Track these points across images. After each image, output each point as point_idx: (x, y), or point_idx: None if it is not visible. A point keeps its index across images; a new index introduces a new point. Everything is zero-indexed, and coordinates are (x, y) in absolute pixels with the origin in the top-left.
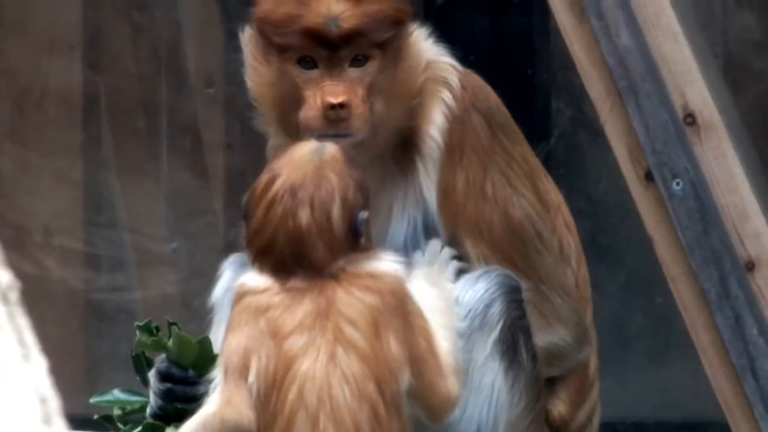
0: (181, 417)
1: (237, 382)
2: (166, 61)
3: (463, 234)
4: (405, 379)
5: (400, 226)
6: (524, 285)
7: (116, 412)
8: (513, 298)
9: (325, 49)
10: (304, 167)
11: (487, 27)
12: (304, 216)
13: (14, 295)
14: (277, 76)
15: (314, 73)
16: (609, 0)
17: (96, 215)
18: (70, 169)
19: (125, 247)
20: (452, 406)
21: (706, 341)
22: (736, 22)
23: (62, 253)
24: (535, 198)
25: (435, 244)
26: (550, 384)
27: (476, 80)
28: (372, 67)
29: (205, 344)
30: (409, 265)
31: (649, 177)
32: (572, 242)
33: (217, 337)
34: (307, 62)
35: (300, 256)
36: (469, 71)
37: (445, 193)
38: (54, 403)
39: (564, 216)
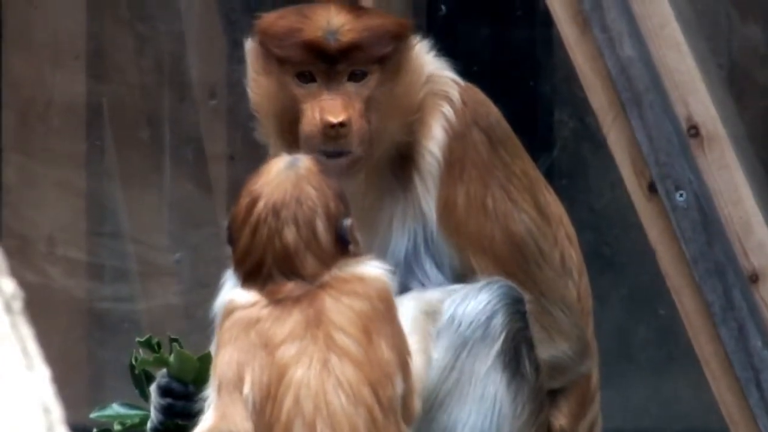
0: None
1: (231, 396)
2: (169, 73)
3: (465, 249)
4: (399, 382)
5: (401, 241)
6: (526, 298)
7: (116, 427)
8: (516, 309)
9: (323, 62)
10: (282, 185)
11: (489, 38)
12: (290, 235)
13: (18, 305)
14: (276, 88)
15: (312, 86)
16: (612, 11)
17: (99, 225)
18: (74, 180)
19: (128, 257)
20: (411, 425)
21: (710, 353)
22: (741, 33)
23: (66, 263)
24: (536, 212)
25: (428, 294)
26: (552, 396)
27: (477, 95)
28: (371, 81)
29: (206, 361)
30: (398, 277)
31: (652, 189)
32: (574, 254)
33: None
34: (305, 75)
35: (290, 271)
36: (470, 85)
37: (446, 208)
38: (57, 412)
39: (565, 228)
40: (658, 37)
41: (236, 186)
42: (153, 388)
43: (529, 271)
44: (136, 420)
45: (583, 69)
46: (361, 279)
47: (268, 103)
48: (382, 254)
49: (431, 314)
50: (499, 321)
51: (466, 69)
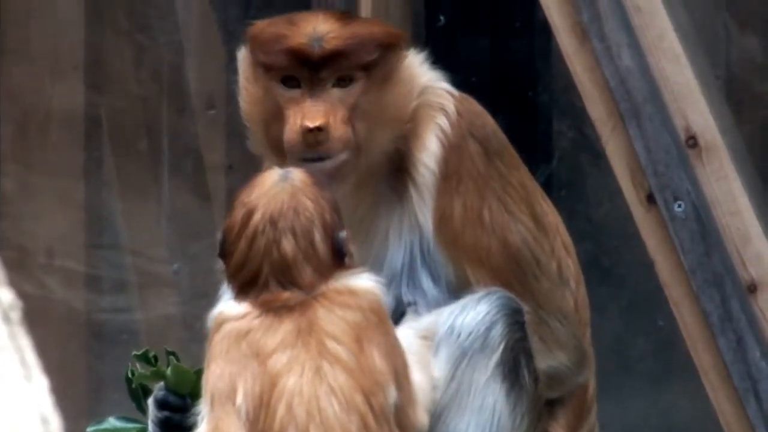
0: None
1: (224, 408)
2: (168, 83)
3: (461, 260)
4: (392, 392)
5: (397, 253)
6: (523, 309)
7: None
8: (515, 320)
9: (306, 68)
10: (278, 197)
11: (488, 49)
12: (288, 245)
13: (16, 315)
14: (262, 94)
15: (296, 92)
16: (611, 22)
17: (98, 236)
18: (73, 191)
19: (127, 268)
20: None
21: (708, 364)
22: (739, 44)
23: (64, 274)
24: (533, 223)
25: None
26: (549, 406)
27: (473, 106)
28: (355, 88)
29: (203, 374)
30: (393, 290)
31: (650, 199)
32: (571, 264)
33: None
34: (291, 81)
35: (287, 281)
36: (465, 96)
37: (442, 219)
38: (56, 423)
39: (562, 238)
40: (656, 49)
41: (235, 196)
42: (150, 401)
43: (526, 282)
44: None
45: (581, 80)
46: (354, 292)
47: (255, 111)
48: (378, 266)
49: (428, 339)
50: (498, 331)
51: (465, 80)
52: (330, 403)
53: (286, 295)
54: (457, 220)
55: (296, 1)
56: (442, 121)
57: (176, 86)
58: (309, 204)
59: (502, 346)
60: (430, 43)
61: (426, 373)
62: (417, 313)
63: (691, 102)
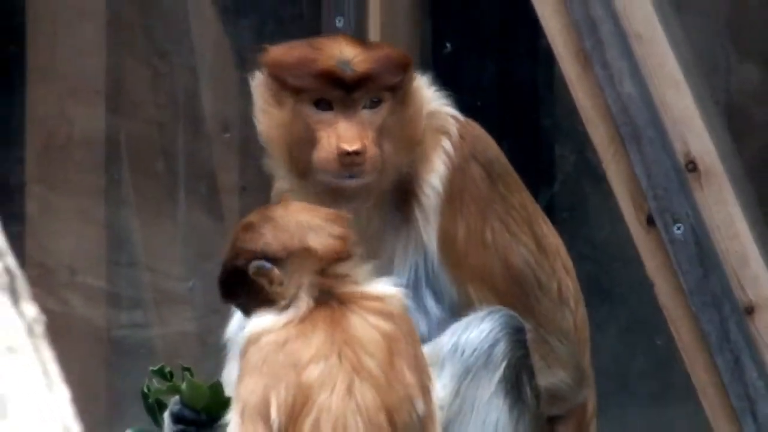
0: None
1: (254, 421)
2: (184, 107)
3: (464, 281)
4: (420, 404)
5: (402, 272)
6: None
7: None
8: (517, 338)
9: (340, 90)
10: None
11: (493, 74)
12: None
13: (39, 329)
14: (290, 117)
15: (329, 114)
16: (613, 50)
17: (117, 255)
18: (93, 210)
19: (144, 285)
20: None
21: (706, 383)
22: (738, 72)
23: (85, 291)
24: (534, 244)
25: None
26: (550, 424)
27: (476, 130)
28: (383, 110)
29: (217, 389)
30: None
31: (650, 221)
32: (570, 284)
33: (230, 372)
34: (322, 104)
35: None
36: (469, 121)
37: (446, 240)
38: (77, 431)
39: (562, 259)
40: (657, 76)
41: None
42: (166, 415)
43: (528, 302)
44: None
45: (584, 105)
46: (379, 297)
47: (280, 134)
48: None
49: (432, 360)
50: (501, 349)
51: (470, 104)
52: (355, 422)
53: (316, 303)
54: (461, 241)
55: (305, 28)
56: (447, 145)
57: (192, 110)
58: None
59: (504, 363)
60: (437, 68)
61: (435, 393)
62: (420, 332)
63: (691, 127)
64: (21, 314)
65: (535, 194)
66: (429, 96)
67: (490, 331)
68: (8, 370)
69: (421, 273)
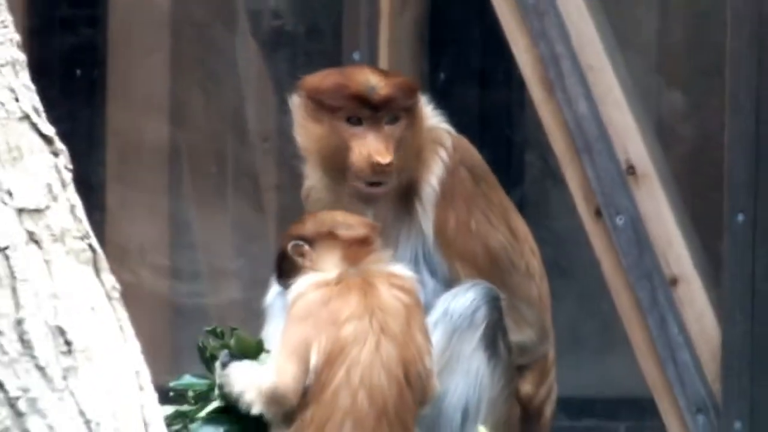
0: None
1: (292, 359)
2: (232, 121)
3: (454, 260)
4: (428, 361)
5: (404, 254)
6: (501, 296)
7: (190, 393)
8: (494, 305)
9: (369, 109)
10: None
11: (477, 98)
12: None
13: (116, 294)
14: (327, 131)
15: (359, 128)
16: (571, 78)
17: (178, 238)
18: (159, 203)
19: (201, 263)
20: (429, 402)
21: (640, 338)
22: (666, 96)
23: (153, 268)
24: (509, 232)
25: None
26: (520, 370)
27: (465, 143)
28: (400, 125)
29: (259, 343)
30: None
31: (598, 213)
32: (536, 264)
33: (267, 330)
34: (353, 119)
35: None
36: (460, 136)
37: (440, 228)
38: (146, 374)
39: (530, 244)
40: (605, 99)
41: (283, 210)
42: (217, 365)
43: (503, 277)
44: (204, 387)
45: (547, 122)
46: (397, 276)
47: (317, 145)
48: None
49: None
50: (481, 313)
51: (459, 121)
52: (379, 374)
53: (352, 271)
54: (451, 229)
55: (329, 60)
56: (443, 154)
57: (238, 124)
58: None
59: (484, 325)
60: (434, 93)
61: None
62: None
63: (631, 140)
64: (102, 283)
65: (509, 192)
66: (429, 114)
67: (473, 300)
68: (92, 325)
69: (419, 254)
